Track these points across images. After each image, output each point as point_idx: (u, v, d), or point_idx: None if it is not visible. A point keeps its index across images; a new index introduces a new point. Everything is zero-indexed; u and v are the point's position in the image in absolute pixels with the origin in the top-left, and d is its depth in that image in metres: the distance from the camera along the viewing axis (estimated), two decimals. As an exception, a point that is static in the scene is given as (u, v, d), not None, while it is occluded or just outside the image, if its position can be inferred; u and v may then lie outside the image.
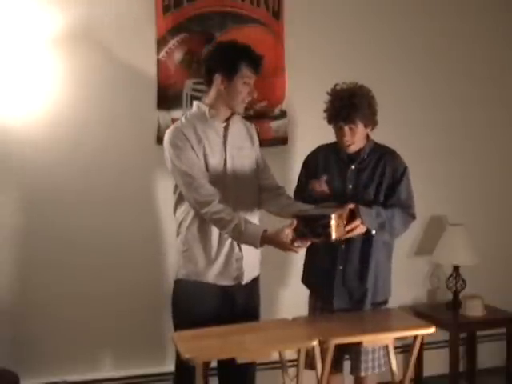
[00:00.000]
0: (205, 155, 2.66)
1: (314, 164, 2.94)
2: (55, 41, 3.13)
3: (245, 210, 2.73)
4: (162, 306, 3.00)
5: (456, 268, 3.75)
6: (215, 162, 2.68)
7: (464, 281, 3.74)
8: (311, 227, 2.54)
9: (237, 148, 2.74)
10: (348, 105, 2.77)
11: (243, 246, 2.67)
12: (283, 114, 3.49)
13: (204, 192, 2.60)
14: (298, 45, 3.49)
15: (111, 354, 3.35)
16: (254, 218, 2.79)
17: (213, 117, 2.70)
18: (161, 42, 3.28)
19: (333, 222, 2.51)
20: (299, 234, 2.55)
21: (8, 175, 3.13)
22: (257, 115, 3.43)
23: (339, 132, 2.84)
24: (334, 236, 2.52)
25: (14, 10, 3.07)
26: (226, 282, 2.70)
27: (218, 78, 2.65)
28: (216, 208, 2.58)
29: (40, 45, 3.11)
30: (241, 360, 2.37)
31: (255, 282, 2.84)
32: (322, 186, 2.86)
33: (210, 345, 2.42)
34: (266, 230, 2.57)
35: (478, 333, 3.92)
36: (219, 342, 2.45)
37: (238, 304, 2.74)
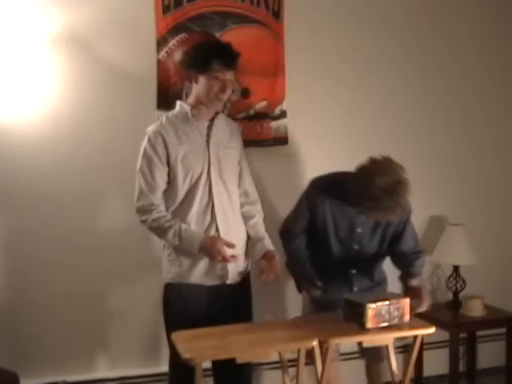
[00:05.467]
0: (184, 157, 2.65)
1: (322, 212, 2.87)
2: (55, 41, 3.13)
3: (231, 211, 2.74)
4: (158, 306, 2.99)
5: (456, 268, 3.75)
6: (198, 163, 2.67)
7: (464, 281, 3.74)
8: (352, 311, 2.60)
9: (222, 148, 2.73)
10: (397, 207, 2.68)
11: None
12: (283, 114, 3.49)
13: (146, 202, 2.65)
14: (298, 45, 3.49)
15: (110, 354, 3.35)
16: (239, 223, 2.80)
17: (195, 116, 2.70)
18: (161, 42, 3.28)
19: (369, 312, 2.53)
20: (345, 315, 2.64)
21: (6, 175, 3.13)
22: (257, 115, 3.44)
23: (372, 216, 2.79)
24: (368, 326, 2.54)
25: (15, 9, 3.07)
26: (212, 281, 2.70)
27: (191, 76, 2.69)
28: (155, 216, 2.64)
29: (40, 45, 3.11)
30: (241, 360, 2.37)
31: (245, 281, 2.82)
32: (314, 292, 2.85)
33: (210, 345, 2.42)
34: (204, 237, 2.63)
35: (478, 333, 3.92)
36: (219, 342, 2.45)
37: (229, 304, 2.73)
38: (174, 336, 2.48)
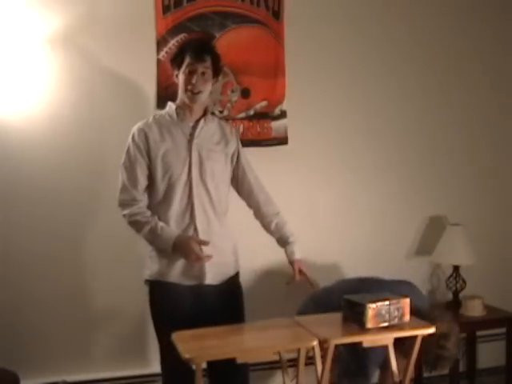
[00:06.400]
0: (164, 155, 2.66)
1: None
2: (55, 40, 3.14)
3: (213, 213, 2.72)
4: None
5: (456, 268, 3.75)
6: (178, 162, 2.67)
7: (464, 281, 3.74)
8: (352, 311, 2.60)
9: (206, 150, 2.72)
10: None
11: (207, 248, 2.65)
12: (283, 114, 3.49)
13: (127, 196, 2.67)
14: (298, 45, 3.49)
15: (111, 353, 3.35)
16: (223, 225, 2.78)
17: (180, 116, 2.72)
18: (161, 42, 3.28)
19: (369, 312, 2.52)
20: (345, 315, 2.63)
21: (6, 169, 3.14)
22: (257, 115, 3.44)
23: None
24: (368, 326, 2.53)
25: (15, 9, 3.07)
26: (189, 281, 2.69)
27: (174, 74, 2.74)
28: (135, 211, 2.66)
29: (40, 44, 3.11)
30: (241, 360, 2.36)
31: (231, 282, 2.80)
32: None
33: (209, 345, 2.41)
34: (179, 236, 2.62)
35: (478, 333, 3.92)
36: (219, 342, 2.44)
37: (214, 304, 2.71)
38: (174, 336, 2.48)
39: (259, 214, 2.89)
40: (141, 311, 3.28)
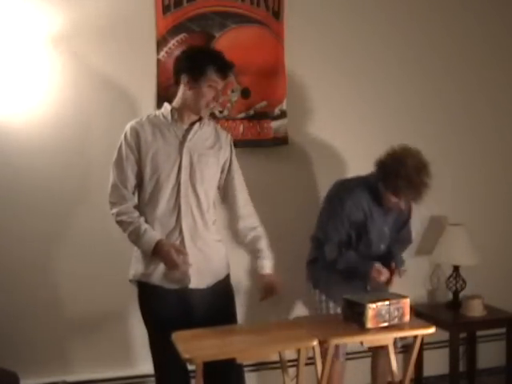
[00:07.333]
0: (154, 155, 2.64)
1: (361, 214, 3.04)
2: (54, 40, 3.13)
3: (200, 217, 2.69)
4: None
5: (456, 268, 3.75)
6: (167, 164, 2.65)
7: (464, 281, 3.74)
8: (352, 311, 2.61)
9: (198, 154, 2.69)
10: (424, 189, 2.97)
11: (192, 252, 2.64)
12: (283, 114, 3.49)
13: (117, 195, 2.66)
14: (298, 45, 3.49)
15: (111, 353, 3.34)
16: (210, 230, 2.74)
17: (174, 118, 2.70)
18: (161, 42, 3.28)
19: (369, 312, 2.53)
20: (345, 315, 2.66)
21: (6, 169, 3.14)
22: (257, 115, 3.44)
23: (395, 201, 2.99)
24: (368, 326, 2.54)
25: (15, 8, 3.06)
26: (172, 285, 2.67)
27: (184, 79, 2.67)
28: (122, 210, 2.64)
29: (39, 44, 3.11)
30: (241, 360, 2.37)
31: (221, 285, 2.77)
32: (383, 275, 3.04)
33: (209, 345, 2.41)
34: (160, 241, 2.60)
35: (478, 333, 3.92)
36: (219, 342, 2.45)
37: (201, 308, 2.69)
38: (174, 336, 2.48)
39: (237, 225, 2.82)
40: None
